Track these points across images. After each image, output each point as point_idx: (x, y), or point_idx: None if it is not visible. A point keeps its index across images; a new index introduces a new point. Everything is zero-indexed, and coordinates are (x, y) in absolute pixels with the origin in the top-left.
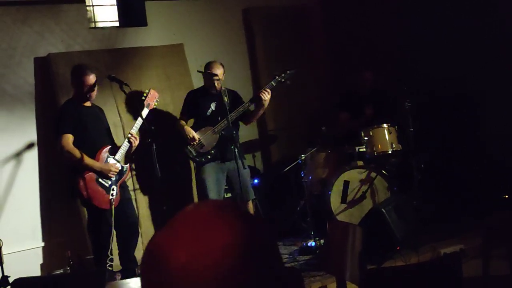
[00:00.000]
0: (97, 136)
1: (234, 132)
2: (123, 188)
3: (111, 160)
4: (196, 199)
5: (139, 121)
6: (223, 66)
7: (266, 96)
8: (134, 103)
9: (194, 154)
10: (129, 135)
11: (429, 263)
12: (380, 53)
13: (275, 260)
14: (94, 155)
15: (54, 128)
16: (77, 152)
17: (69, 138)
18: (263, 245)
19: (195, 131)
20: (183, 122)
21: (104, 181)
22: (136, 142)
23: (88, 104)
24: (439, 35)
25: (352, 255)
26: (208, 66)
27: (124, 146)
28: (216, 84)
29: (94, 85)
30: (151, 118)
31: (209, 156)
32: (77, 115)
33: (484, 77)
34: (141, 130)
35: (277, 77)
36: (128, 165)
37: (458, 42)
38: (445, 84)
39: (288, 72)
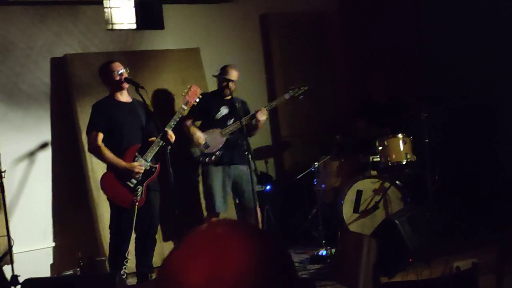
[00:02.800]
0: (129, 134)
1: (241, 137)
2: (152, 191)
3: (139, 160)
4: (203, 204)
5: (176, 118)
6: (237, 70)
7: (262, 116)
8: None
9: (198, 154)
10: (163, 133)
11: (444, 278)
12: (398, 62)
13: (291, 277)
14: (124, 153)
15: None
16: (104, 150)
17: (97, 136)
18: (279, 264)
19: (202, 132)
20: (189, 123)
21: (130, 181)
22: (172, 139)
23: (125, 99)
24: (458, 45)
25: (366, 267)
26: (224, 70)
27: (155, 145)
28: (230, 87)
29: (118, 72)
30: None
31: (213, 157)
32: (109, 112)
33: (503, 89)
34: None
35: (290, 91)
36: (158, 165)
37: (478, 53)
38: (463, 95)
39: (302, 88)
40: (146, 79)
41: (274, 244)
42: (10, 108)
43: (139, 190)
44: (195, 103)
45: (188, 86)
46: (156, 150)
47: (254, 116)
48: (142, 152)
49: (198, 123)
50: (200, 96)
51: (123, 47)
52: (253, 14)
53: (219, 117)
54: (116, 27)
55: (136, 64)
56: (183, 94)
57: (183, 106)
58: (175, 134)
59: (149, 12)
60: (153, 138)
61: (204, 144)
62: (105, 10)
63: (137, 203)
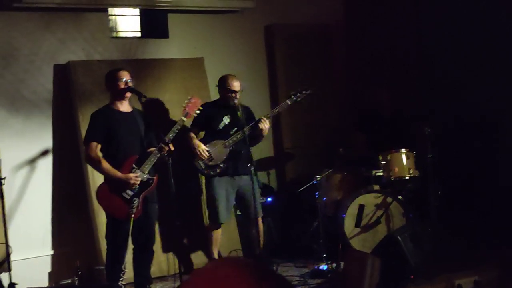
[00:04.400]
0: (128, 145)
1: (245, 147)
2: (149, 203)
3: (136, 171)
4: (205, 213)
5: (175, 130)
6: (239, 81)
7: (264, 125)
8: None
9: (203, 167)
10: (160, 145)
11: None
12: (402, 75)
13: None
14: (121, 164)
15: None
16: (100, 161)
17: (94, 146)
18: None
19: (205, 144)
20: (192, 135)
21: (125, 192)
22: (168, 150)
23: (125, 109)
24: (465, 59)
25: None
26: (226, 80)
27: (153, 157)
28: (234, 97)
29: (125, 81)
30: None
31: (218, 170)
32: (108, 122)
33: (507, 104)
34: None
35: (292, 97)
36: (155, 177)
37: (483, 66)
38: (467, 110)
39: (304, 92)
40: (149, 88)
41: (280, 283)
42: (12, 114)
43: (135, 202)
44: (196, 115)
45: (189, 98)
46: (154, 161)
47: (256, 126)
48: (140, 163)
49: (202, 133)
50: (201, 108)
51: (127, 55)
52: (257, 25)
53: (221, 127)
54: (121, 35)
55: (139, 72)
56: (183, 105)
57: (183, 117)
58: (176, 145)
59: (154, 21)
60: (152, 149)
61: (208, 157)
62: (110, 18)
63: (132, 215)
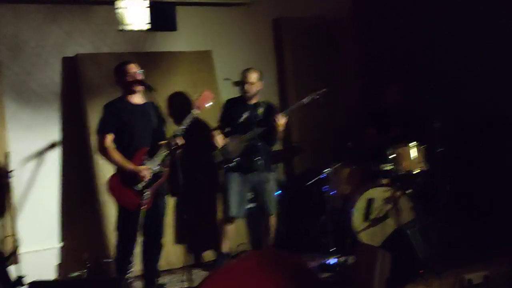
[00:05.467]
0: (139, 137)
1: (259, 144)
2: (159, 195)
3: (147, 163)
4: (219, 208)
5: (186, 123)
6: (258, 73)
7: (280, 121)
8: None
9: (221, 159)
10: (171, 139)
11: None
12: (411, 70)
13: None
14: (132, 156)
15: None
16: (112, 152)
17: (107, 138)
18: None
19: (227, 138)
20: (216, 131)
21: (137, 184)
22: (179, 143)
23: (137, 100)
24: (475, 53)
25: (379, 282)
26: (242, 74)
27: (164, 149)
28: (246, 89)
29: (137, 74)
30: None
31: (231, 164)
32: (120, 114)
33: None
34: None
35: (310, 96)
36: (167, 168)
37: (495, 61)
38: (478, 104)
39: (320, 91)
40: (157, 81)
41: (306, 276)
42: (20, 107)
43: (146, 193)
44: (207, 107)
45: (201, 91)
46: (165, 153)
47: (271, 124)
48: (151, 155)
49: (228, 129)
50: (211, 102)
51: (135, 48)
52: (266, 18)
53: (240, 122)
54: (129, 27)
55: (147, 65)
56: (195, 99)
57: (194, 110)
58: (188, 138)
59: (162, 14)
60: (163, 142)
61: (223, 149)
62: (118, 10)
63: (143, 207)
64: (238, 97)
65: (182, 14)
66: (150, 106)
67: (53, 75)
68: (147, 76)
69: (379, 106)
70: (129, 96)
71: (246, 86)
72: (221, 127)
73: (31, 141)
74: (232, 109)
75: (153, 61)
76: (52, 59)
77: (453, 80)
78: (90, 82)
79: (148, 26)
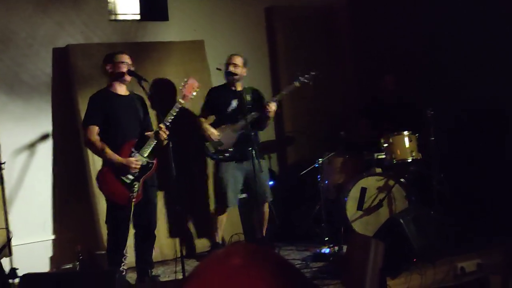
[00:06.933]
0: (126, 128)
1: (253, 133)
2: (149, 187)
3: (135, 155)
4: (211, 198)
5: (173, 113)
6: (243, 58)
7: (271, 108)
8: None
9: (213, 151)
10: (158, 129)
11: None
12: (407, 58)
13: None
14: (120, 148)
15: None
16: (99, 145)
17: (93, 130)
18: None
19: (215, 128)
20: (202, 119)
21: (125, 177)
22: (164, 136)
23: (123, 92)
24: (471, 42)
25: (372, 272)
26: (227, 59)
27: (152, 140)
28: (230, 70)
29: (127, 63)
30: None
31: (226, 154)
32: (106, 105)
33: None
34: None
35: (300, 78)
36: (155, 160)
37: (491, 52)
38: (474, 95)
39: (311, 73)
40: (149, 71)
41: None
42: (11, 98)
43: (135, 186)
44: (193, 97)
45: (185, 80)
46: (153, 145)
47: (262, 111)
48: (139, 147)
49: (212, 118)
50: (197, 90)
51: (126, 38)
52: (258, 7)
53: (230, 110)
54: (120, 17)
55: (139, 55)
56: (180, 87)
57: (180, 100)
58: (176, 128)
59: (153, 3)
60: (150, 133)
61: (217, 141)
62: (109, 0)
63: (133, 200)
64: (222, 85)
65: (174, 4)
66: (135, 97)
67: (44, 66)
68: (138, 67)
69: (375, 96)
70: (115, 86)
71: (231, 67)
72: (204, 116)
73: (22, 133)
74: (217, 98)
75: (144, 51)
76: (43, 50)
77: (452, 69)
78: (81, 72)
79: (139, 16)
